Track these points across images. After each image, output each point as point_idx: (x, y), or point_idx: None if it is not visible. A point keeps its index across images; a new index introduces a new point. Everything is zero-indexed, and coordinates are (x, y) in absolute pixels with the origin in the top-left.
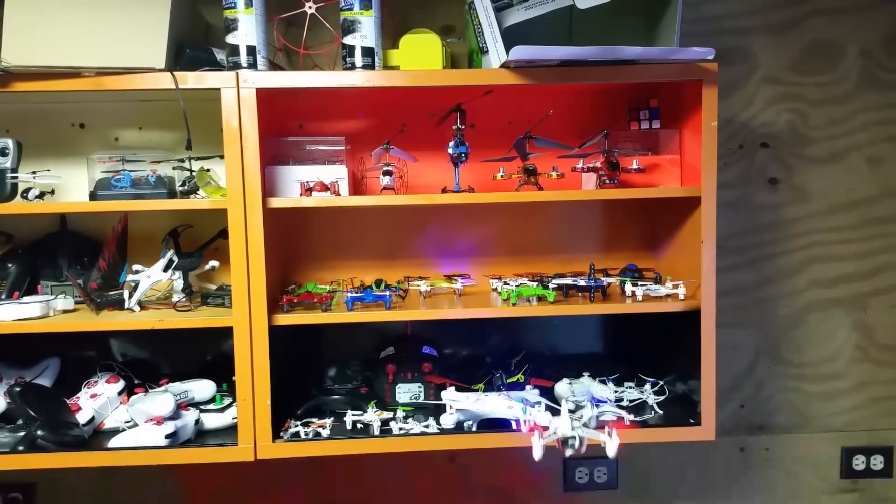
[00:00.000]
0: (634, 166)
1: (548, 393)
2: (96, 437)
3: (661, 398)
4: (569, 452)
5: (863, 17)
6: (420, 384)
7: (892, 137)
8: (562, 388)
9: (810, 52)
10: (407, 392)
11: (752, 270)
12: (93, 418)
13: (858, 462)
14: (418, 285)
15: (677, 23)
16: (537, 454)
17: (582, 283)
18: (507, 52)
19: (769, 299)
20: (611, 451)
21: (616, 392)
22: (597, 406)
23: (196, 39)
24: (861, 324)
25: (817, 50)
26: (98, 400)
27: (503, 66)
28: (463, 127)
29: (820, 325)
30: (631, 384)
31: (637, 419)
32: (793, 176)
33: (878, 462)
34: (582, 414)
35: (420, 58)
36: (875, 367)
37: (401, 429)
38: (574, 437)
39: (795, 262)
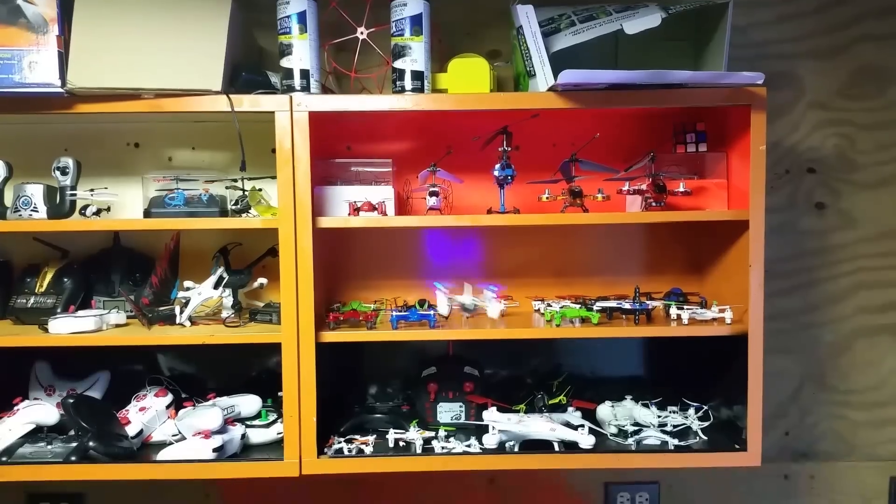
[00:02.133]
0: (681, 189)
1: (590, 415)
2: (144, 449)
3: (706, 424)
4: (466, 315)
5: None
6: (461, 404)
7: None
8: (604, 410)
9: (858, 77)
10: (448, 411)
11: (797, 296)
12: (141, 431)
13: None
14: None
15: (726, 47)
16: (442, 308)
17: (627, 305)
18: (555, 75)
19: (815, 325)
20: (493, 313)
21: (659, 417)
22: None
23: (250, 63)
24: None
25: (865, 75)
26: (146, 413)
27: (550, 89)
28: (509, 149)
29: (866, 351)
30: (674, 408)
31: (681, 444)
32: (840, 201)
33: None
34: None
35: (468, 81)
36: None
37: (443, 448)
38: (471, 305)
39: (842, 287)
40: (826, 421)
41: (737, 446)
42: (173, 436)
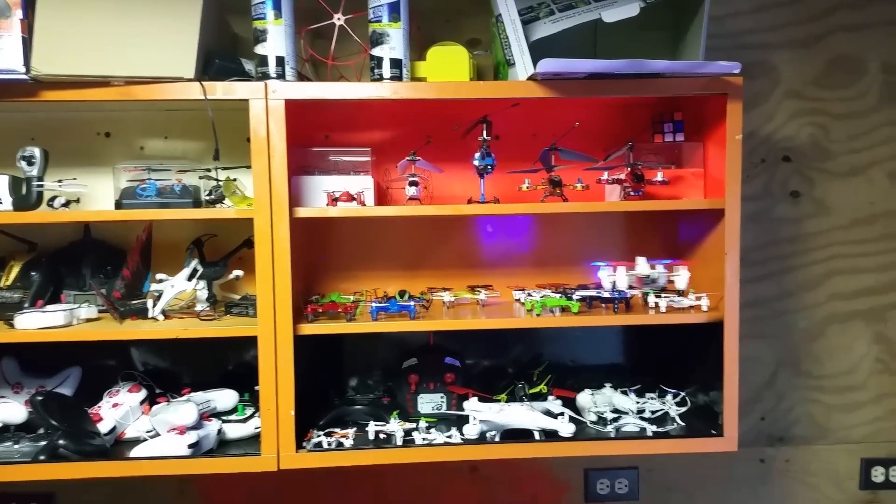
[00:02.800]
0: (659, 178)
1: (570, 403)
2: (118, 446)
3: (683, 409)
4: None
5: (885, 33)
6: (442, 395)
7: None
8: (584, 398)
9: (833, 67)
10: (429, 402)
11: (772, 283)
12: (114, 428)
13: (878, 474)
14: (442, 296)
15: (703, 37)
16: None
17: (606, 294)
18: (534, 64)
19: (790, 311)
20: None
21: (638, 403)
22: None
23: (224, 50)
24: (881, 336)
25: (839, 65)
26: (120, 409)
27: (530, 78)
28: (489, 138)
29: (840, 337)
30: (653, 395)
31: (659, 430)
32: (814, 189)
33: None
34: None
35: (447, 70)
36: (895, 380)
37: (424, 439)
38: None
39: (816, 274)
40: (800, 405)
41: (713, 432)
42: (147, 432)
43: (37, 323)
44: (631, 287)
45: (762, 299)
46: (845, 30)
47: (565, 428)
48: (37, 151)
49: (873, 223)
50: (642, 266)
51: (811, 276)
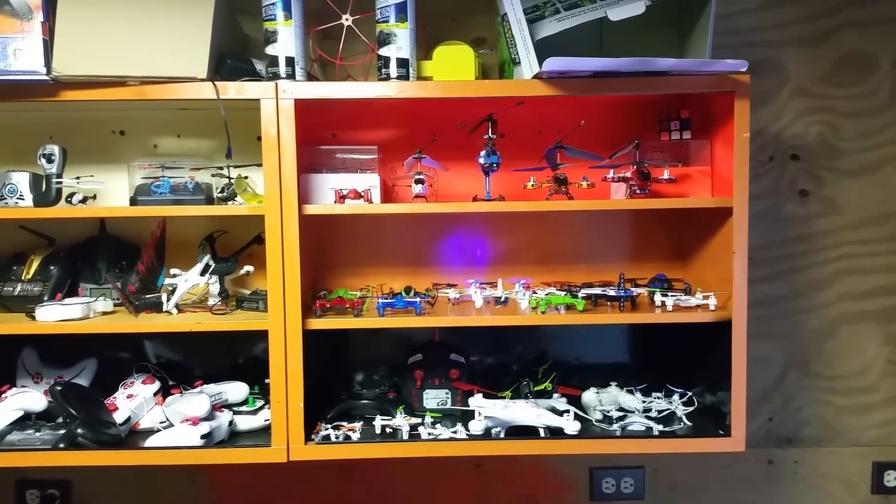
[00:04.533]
0: (665, 177)
1: (575, 401)
2: (132, 436)
3: (690, 409)
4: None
5: (894, 29)
6: (447, 390)
7: None
8: (589, 396)
9: (841, 65)
10: (434, 398)
11: (781, 282)
12: (129, 418)
13: (890, 478)
14: (447, 293)
15: (709, 35)
16: (477, 302)
17: (612, 292)
18: (539, 63)
19: (799, 311)
20: (524, 305)
21: (644, 402)
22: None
23: (235, 50)
24: (892, 337)
25: (849, 62)
26: (134, 400)
27: (535, 77)
28: (494, 137)
29: (850, 338)
30: (659, 394)
31: (665, 430)
32: (823, 188)
33: None
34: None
35: (453, 69)
36: None
37: (430, 434)
38: (503, 299)
39: (826, 274)
40: (810, 407)
41: (721, 432)
42: (161, 423)
43: (56, 315)
44: (636, 285)
45: (771, 299)
46: (854, 26)
47: (571, 426)
48: (56, 149)
49: (884, 223)
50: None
51: (821, 276)
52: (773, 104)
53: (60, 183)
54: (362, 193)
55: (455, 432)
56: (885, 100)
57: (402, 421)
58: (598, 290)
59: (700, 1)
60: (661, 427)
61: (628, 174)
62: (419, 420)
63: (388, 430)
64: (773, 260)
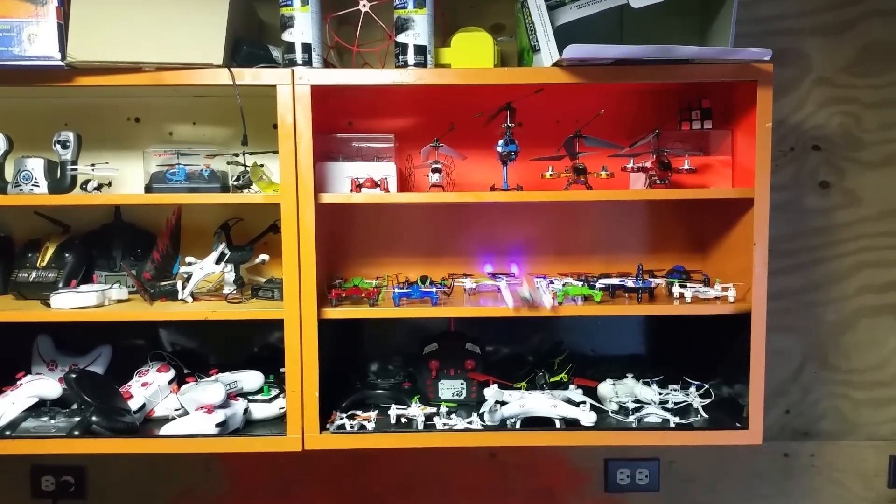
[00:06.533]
0: (686, 167)
1: (591, 393)
2: (146, 424)
3: (707, 401)
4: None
5: None
6: (463, 381)
7: None
8: (605, 388)
9: (865, 54)
10: (449, 388)
11: (800, 274)
12: (143, 406)
13: None
14: (463, 283)
15: (732, 23)
16: (510, 303)
17: (630, 283)
18: (559, 50)
19: (818, 304)
20: (547, 303)
21: (660, 394)
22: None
23: (251, 36)
24: None
25: (872, 52)
26: (149, 388)
27: (555, 64)
28: (513, 125)
29: (869, 331)
30: (675, 387)
31: (682, 422)
32: (844, 179)
33: None
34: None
35: (471, 56)
36: None
37: (445, 424)
38: (528, 297)
39: (845, 266)
40: (827, 400)
41: (738, 424)
42: (176, 410)
43: (71, 303)
44: (654, 276)
45: (790, 291)
46: (878, 15)
47: (587, 417)
48: (71, 136)
49: None
50: (524, 287)
51: (840, 269)
52: (795, 94)
53: (76, 170)
54: (378, 182)
55: (470, 422)
56: None
57: (417, 411)
58: (616, 281)
59: None
60: (677, 419)
61: (648, 164)
62: (434, 410)
63: (402, 419)
64: (793, 252)
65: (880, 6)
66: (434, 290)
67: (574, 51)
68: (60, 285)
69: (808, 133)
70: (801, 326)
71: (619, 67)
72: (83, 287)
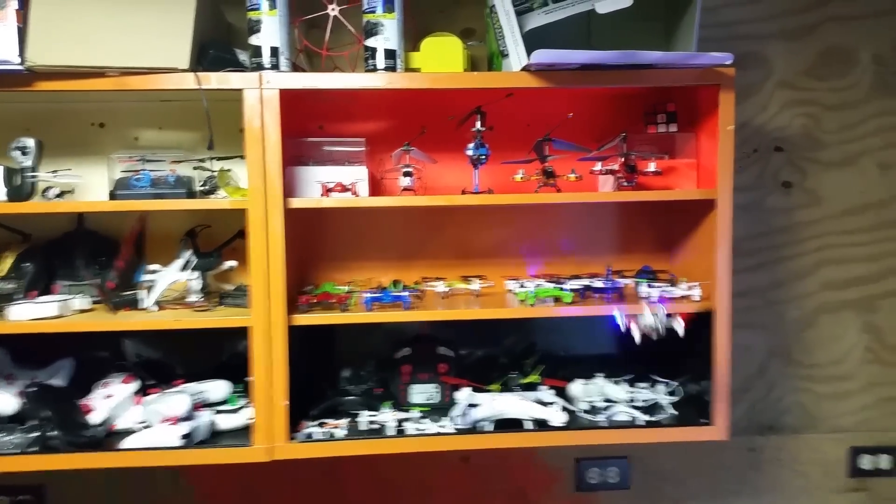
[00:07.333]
0: (652, 169)
1: (562, 393)
2: (110, 437)
3: (674, 399)
4: (654, 336)
5: (876, 24)
6: (435, 385)
7: None
8: (576, 388)
9: (824, 58)
10: (422, 393)
11: (764, 272)
12: (107, 419)
13: (865, 462)
14: (435, 286)
15: (695, 28)
16: (638, 340)
17: (599, 284)
18: (528, 55)
19: (781, 301)
20: (680, 330)
21: (629, 392)
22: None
23: (218, 40)
24: (871, 326)
25: (831, 56)
26: (112, 400)
27: (524, 69)
28: (483, 129)
29: (830, 326)
30: (644, 385)
31: (650, 419)
32: (806, 179)
33: (884, 461)
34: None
35: (441, 60)
36: (884, 369)
37: (416, 429)
38: (655, 326)
39: (807, 264)
40: (791, 394)
41: (704, 421)
42: (140, 423)
43: (29, 314)
44: (623, 276)
45: (754, 289)
46: (837, 20)
47: (556, 417)
48: (31, 142)
49: (864, 213)
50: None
51: (802, 266)
52: (758, 97)
53: (35, 177)
54: (349, 186)
55: (442, 426)
56: (865, 93)
57: (388, 416)
58: (585, 283)
59: None
60: (645, 417)
61: (616, 167)
62: (406, 415)
63: (374, 425)
64: (757, 251)
65: (838, 12)
66: (406, 294)
67: (541, 56)
68: (19, 296)
69: (770, 135)
70: (766, 323)
71: (585, 72)
72: (43, 297)
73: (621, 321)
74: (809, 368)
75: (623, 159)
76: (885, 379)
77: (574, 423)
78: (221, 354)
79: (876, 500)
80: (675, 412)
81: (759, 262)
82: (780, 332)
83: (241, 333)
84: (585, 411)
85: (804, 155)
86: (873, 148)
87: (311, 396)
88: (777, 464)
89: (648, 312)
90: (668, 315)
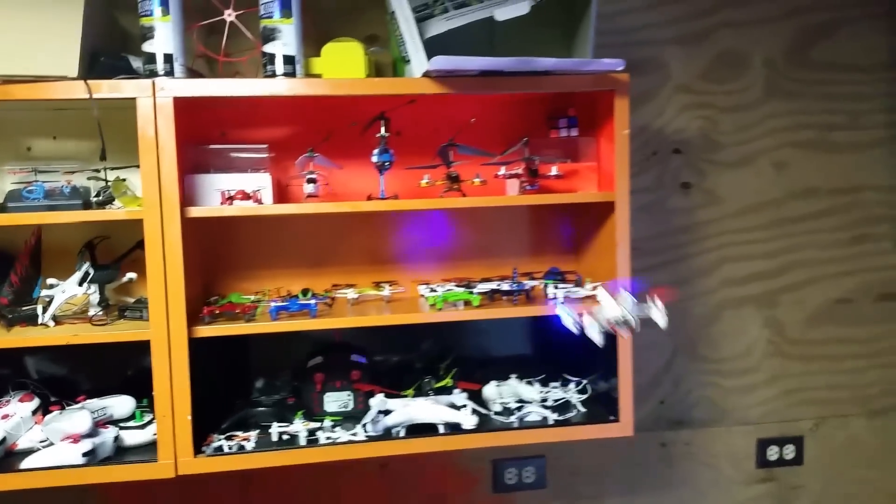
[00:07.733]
0: (553, 173)
1: (477, 395)
2: (9, 458)
3: (584, 397)
4: (626, 333)
5: (766, 30)
6: (349, 392)
7: (795, 143)
8: (490, 390)
9: (719, 62)
10: (335, 401)
11: (667, 271)
12: (4, 439)
13: (772, 452)
14: (346, 293)
15: (591, 35)
16: (599, 341)
17: (506, 287)
18: (428, 61)
19: (685, 298)
20: (660, 321)
21: (542, 392)
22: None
23: (113, 47)
24: (772, 320)
25: (725, 60)
26: (10, 420)
27: (424, 75)
28: (387, 134)
29: (733, 322)
30: (556, 384)
31: (560, 418)
32: (704, 180)
33: (789, 451)
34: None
35: (342, 66)
36: (785, 361)
37: (328, 438)
38: (624, 319)
39: (708, 262)
40: (698, 389)
41: (612, 418)
42: (41, 442)
43: None
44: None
45: (658, 287)
46: (730, 26)
47: (468, 420)
48: None
49: (761, 211)
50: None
51: (704, 264)
52: (657, 101)
53: None
54: (251, 194)
55: (354, 434)
56: (758, 95)
57: (299, 426)
58: (493, 285)
59: (584, 1)
60: (556, 416)
61: (519, 171)
62: (318, 425)
63: (285, 437)
64: (659, 250)
65: (731, 18)
66: (314, 302)
67: (440, 62)
68: None
69: (669, 137)
70: (671, 320)
71: (485, 78)
72: None
73: (570, 321)
74: (715, 363)
75: (526, 163)
76: (787, 371)
77: (487, 424)
78: (127, 369)
79: (783, 489)
80: (586, 410)
81: (663, 261)
82: (685, 329)
83: (145, 347)
84: (498, 413)
85: (702, 156)
86: (768, 148)
87: (222, 409)
88: (688, 457)
89: (610, 304)
90: (641, 301)
